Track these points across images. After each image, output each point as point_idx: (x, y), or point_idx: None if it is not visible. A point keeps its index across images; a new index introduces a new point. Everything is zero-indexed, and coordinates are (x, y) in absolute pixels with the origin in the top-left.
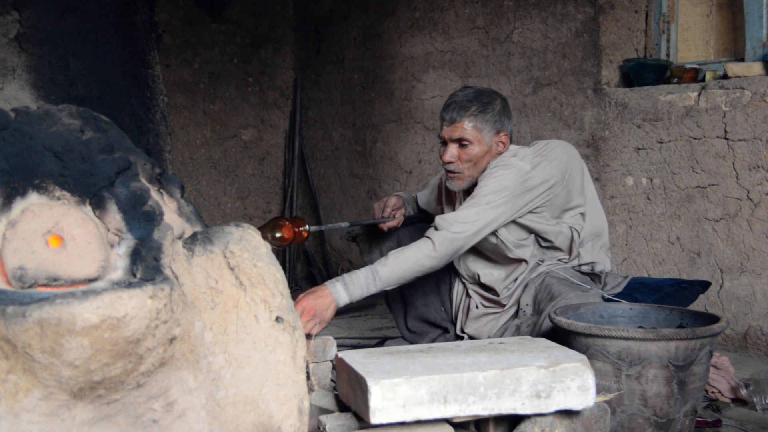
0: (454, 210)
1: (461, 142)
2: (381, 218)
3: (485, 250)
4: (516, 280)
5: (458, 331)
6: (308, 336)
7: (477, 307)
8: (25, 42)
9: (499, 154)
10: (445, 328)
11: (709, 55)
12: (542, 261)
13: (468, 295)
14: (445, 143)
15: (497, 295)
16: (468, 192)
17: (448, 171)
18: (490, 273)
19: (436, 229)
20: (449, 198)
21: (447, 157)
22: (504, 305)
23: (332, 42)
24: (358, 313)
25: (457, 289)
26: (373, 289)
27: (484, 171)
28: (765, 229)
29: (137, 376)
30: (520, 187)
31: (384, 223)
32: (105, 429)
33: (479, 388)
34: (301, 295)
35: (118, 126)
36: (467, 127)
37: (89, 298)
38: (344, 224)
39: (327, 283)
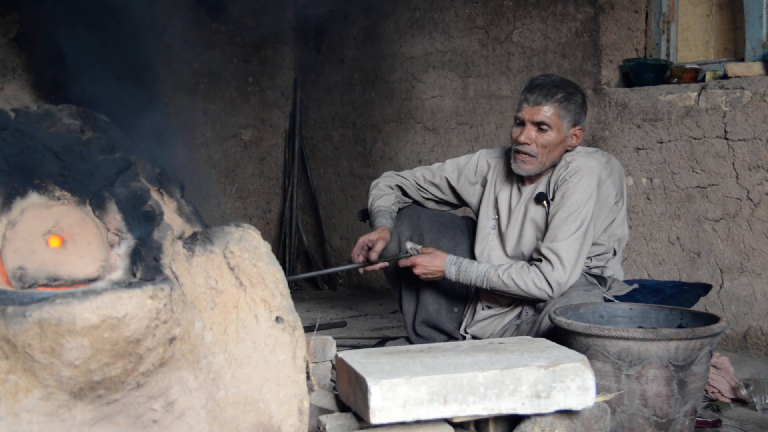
0: (449, 207)
1: (540, 126)
2: (351, 264)
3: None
4: None
5: (461, 331)
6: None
7: (483, 309)
8: (25, 42)
9: (572, 146)
10: (455, 338)
11: (709, 55)
12: None
13: (478, 296)
14: (521, 124)
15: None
16: (522, 179)
17: (521, 152)
18: None
19: (552, 266)
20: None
21: (524, 138)
22: (509, 305)
23: (332, 42)
24: (358, 313)
25: (469, 289)
26: (479, 286)
27: (556, 166)
28: (765, 229)
29: (137, 376)
30: (604, 207)
31: (359, 268)
32: (105, 429)
33: (479, 388)
34: (419, 256)
35: (118, 126)
36: (551, 111)
37: (89, 298)
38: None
39: (447, 258)
